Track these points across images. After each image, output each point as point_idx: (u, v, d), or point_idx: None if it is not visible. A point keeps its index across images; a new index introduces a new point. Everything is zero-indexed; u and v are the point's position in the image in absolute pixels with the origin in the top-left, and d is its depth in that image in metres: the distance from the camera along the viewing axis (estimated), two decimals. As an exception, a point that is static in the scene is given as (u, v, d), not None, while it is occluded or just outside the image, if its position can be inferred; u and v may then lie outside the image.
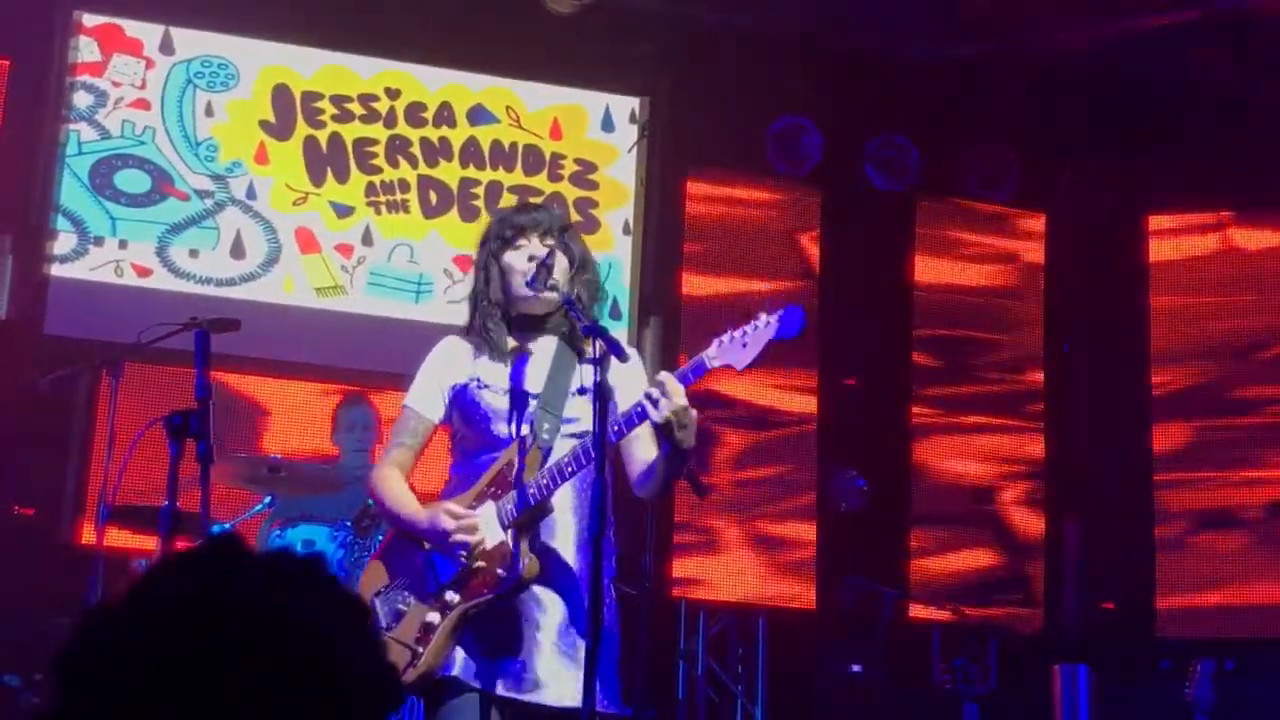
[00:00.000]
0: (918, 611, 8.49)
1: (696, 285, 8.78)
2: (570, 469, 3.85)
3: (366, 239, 8.36)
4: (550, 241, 4.04)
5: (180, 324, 5.20)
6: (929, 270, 9.16)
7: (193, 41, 8.28)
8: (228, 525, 6.37)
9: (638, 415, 3.79)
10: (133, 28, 8.23)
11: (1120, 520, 9.08)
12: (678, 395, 3.72)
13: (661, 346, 8.65)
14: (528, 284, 4.01)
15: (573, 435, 3.98)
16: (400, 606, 3.98)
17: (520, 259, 4.04)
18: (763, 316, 3.79)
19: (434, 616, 3.90)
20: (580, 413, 3.99)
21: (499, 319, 4.08)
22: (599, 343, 3.79)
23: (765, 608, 8.54)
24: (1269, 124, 8.75)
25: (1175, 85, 8.92)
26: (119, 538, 6.58)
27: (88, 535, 7.40)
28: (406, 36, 8.49)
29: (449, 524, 3.88)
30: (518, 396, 3.96)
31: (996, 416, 9.11)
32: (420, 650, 3.88)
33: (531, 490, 3.85)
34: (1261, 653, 8.41)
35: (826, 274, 8.95)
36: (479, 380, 4.03)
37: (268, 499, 6.62)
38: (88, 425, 7.74)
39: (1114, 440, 9.16)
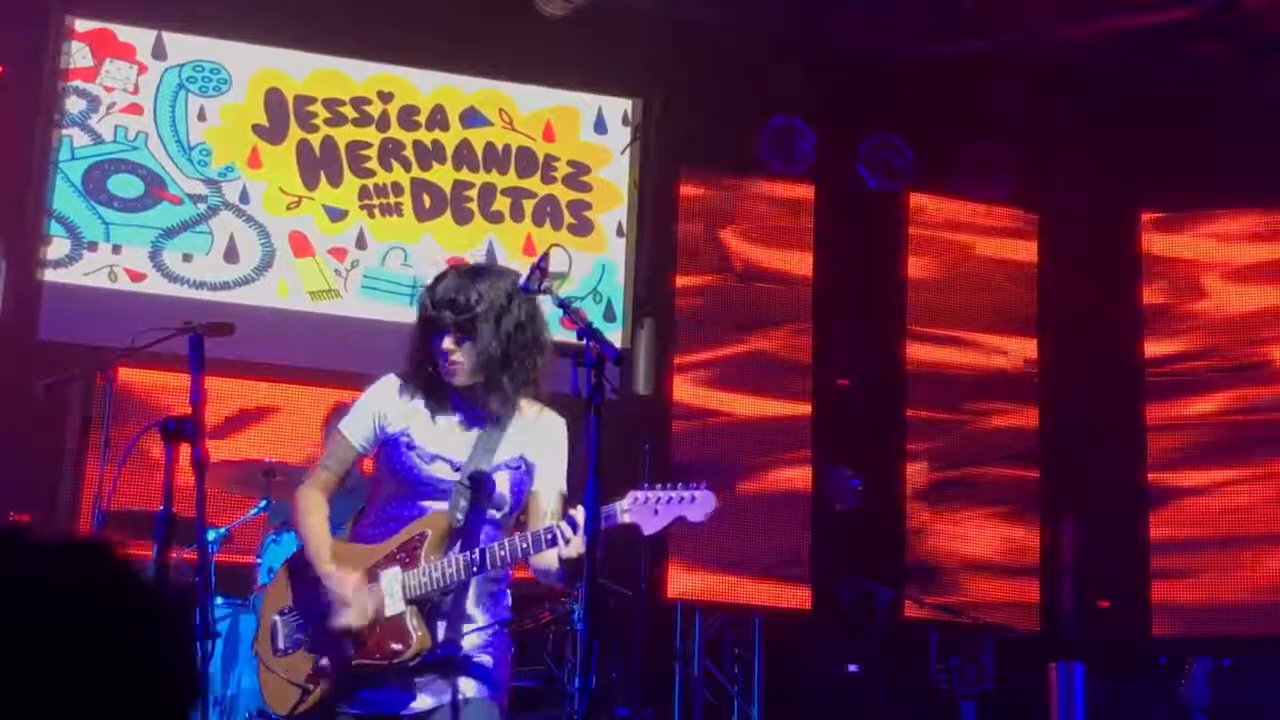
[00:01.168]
0: (914, 611, 8.49)
1: (690, 286, 8.78)
2: (475, 570, 3.92)
3: (360, 242, 8.36)
4: (453, 342, 3.97)
5: (174, 329, 5.19)
6: (922, 270, 9.17)
7: (185, 46, 8.28)
8: (224, 530, 6.37)
9: (548, 542, 3.87)
10: (125, 33, 8.23)
11: (1116, 519, 9.08)
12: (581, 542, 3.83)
13: (657, 347, 8.65)
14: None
15: (493, 506, 4.03)
16: (298, 635, 4.08)
17: (437, 348, 4.02)
18: (679, 490, 3.90)
19: (326, 662, 3.99)
20: (500, 488, 4.04)
21: (430, 387, 4.08)
22: (593, 344, 3.80)
23: (761, 608, 8.54)
24: (1266, 120, 8.75)
25: (1171, 83, 8.93)
26: (115, 543, 6.56)
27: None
28: (399, 40, 8.49)
29: (344, 600, 3.95)
30: (441, 467, 4.02)
31: (992, 416, 9.12)
32: (311, 688, 3.99)
33: (437, 574, 3.92)
34: (1258, 651, 8.42)
35: (820, 274, 8.95)
36: (410, 440, 4.05)
37: (263, 503, 6.61)
38: (82, 430, 7.73)
39: (1110, 439, 9.16)
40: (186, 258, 8.10)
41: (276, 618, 4.13)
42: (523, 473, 4.06)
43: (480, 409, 4.06)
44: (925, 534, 8.91)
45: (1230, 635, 8.61)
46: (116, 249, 8.02)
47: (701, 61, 8.72)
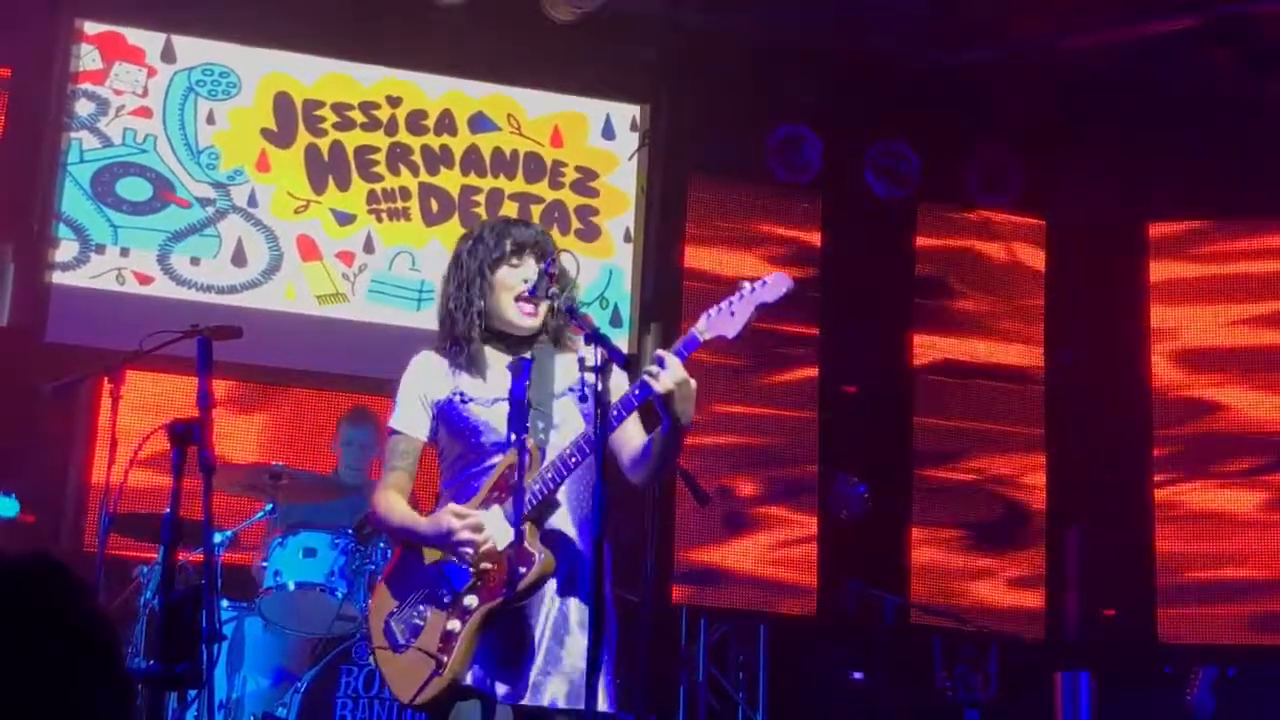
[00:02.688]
0: (919, 618, 8.48)
1: (698, 293, 8.78)
2: (574, 459, 3.87)
3: (368, 246, 8.37)
4: (544, 263, 4.04)
5: (182, 332, 5.19)
6: (930, 277, 9.16)
7: (194, 49, 8.29)
8: (229, 533, 6.38)
9: (638, 395, 3.83)
10: (134, 36, 8.24)
11: (1121, 527, 9.07)
12: (677, 368, 3.80)
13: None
14: (529, 292, 4.02)
15: (563, 433, 4.01)
16: (417, 621, 3.97)
17: (515, 278, 4.04)
18: (746, 285, 3.87)
19: (454, 624, 3.90)
20: (567, 415, 4.03)
21: (479, 332, 4.08)
22: (600, 350, 3.79)
23: (766, 614, 8.54)
24: (1271, 129, 8.74)
25: (1178, 90, 8.92)
26: (121, 545, 6.58)
27: (90, 543, 7.41)
28: (408, 44, 8.50)
29: (454, 523, 3.91)
30: (512, 403, 3.95)
31: (997, 423, 9.11)
32: (444, 659, 3.87)
33: (538, 486, 3.88)
34: (1263, 659, 8.41)
35: (827, 282, 8.95)
36: (462, 394, 4.04)
37: (269, 506, 6.61)
38: (89, 433, 7.74)
39: (1114, 447, 9.15)
40: (194, 261, 8.11)
41: (389, 620, 4.03)
42: (585, 394, 3.99)
43: (530, 346, 4.08)
44: (931, 541, 8.90)
45: (1236, 644, 8.60)
46: (124, 252, 8.03)
47: (709, 68, 8.73)
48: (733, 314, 3.84)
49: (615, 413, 3.84)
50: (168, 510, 4.44)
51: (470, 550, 3.91)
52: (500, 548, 3.88)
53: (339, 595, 6.14)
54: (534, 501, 3.87)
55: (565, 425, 4.02)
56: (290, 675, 6.30)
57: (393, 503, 4.10)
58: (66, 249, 7.97)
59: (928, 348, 9.10)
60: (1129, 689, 8.29)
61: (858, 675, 8.49)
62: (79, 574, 1.88)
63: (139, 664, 5.64)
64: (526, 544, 3.85)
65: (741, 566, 8.56)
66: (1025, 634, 8.67)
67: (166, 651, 4.36)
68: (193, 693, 5.66)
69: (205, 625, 4.44)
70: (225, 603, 6.15)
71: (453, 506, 3.95)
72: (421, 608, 3.98)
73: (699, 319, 3.88)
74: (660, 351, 3.84)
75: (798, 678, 8.51)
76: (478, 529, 3.90)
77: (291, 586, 6.17)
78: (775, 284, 3.84)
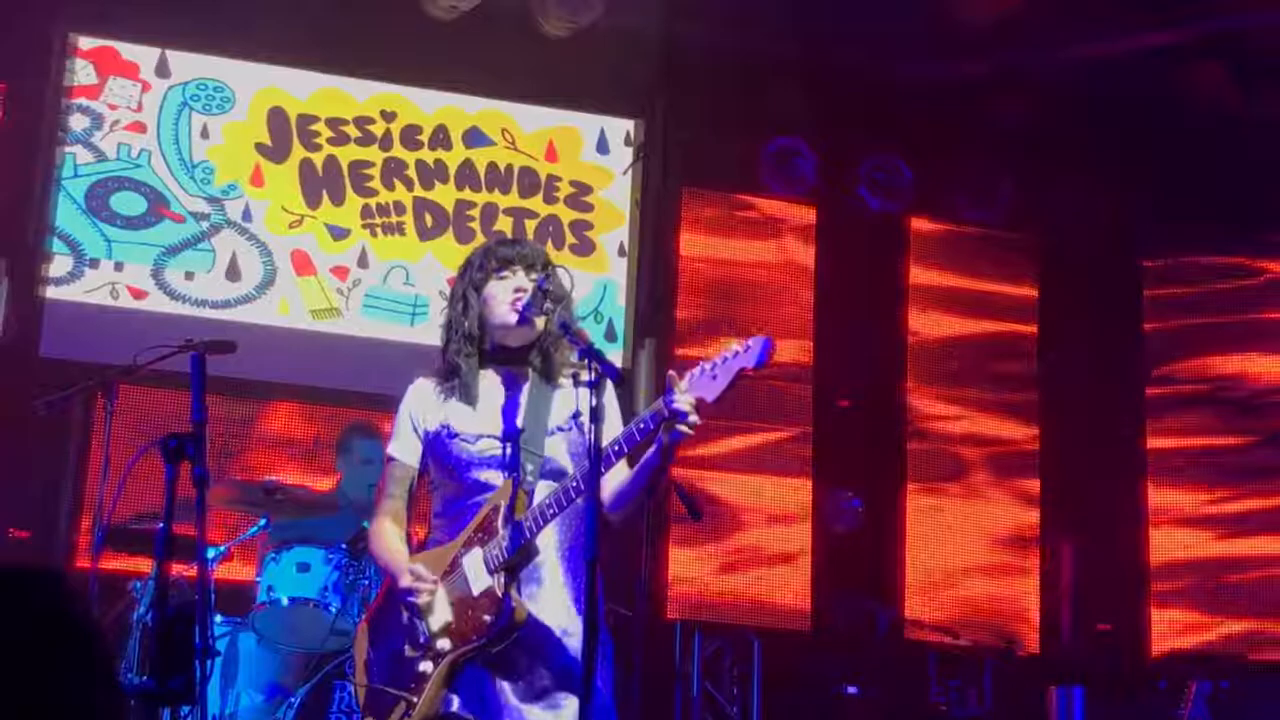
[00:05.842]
0: (913, 633, 8.48)
1: (691, 307, 8.79)
2: (552, 511, 3.86)
3: (362, 261, 8.37)
4: (535, 275, 4.05)
5: (176, 346, 5.19)
6: (923, 291, 9.17)
7: (188, 64, 8.30)
8: (223, 548, 6.36)
9: (651, 422, 3.78)
10: (129, 50, 8.25)
11: (1115, 543, 9.07)
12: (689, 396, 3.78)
13: (657, 367, 8.65)
14: (524, 307, 4.01)
15: (551, 474, 4.00)
16: (394, 657, 4.02)
17: (505, 289, 4.04)
18: (732, 346, 3.81)
19: (427, 666, 3.93)
20: (556, 452, 4.02)
21: (471, 353, 4.08)
22: (594, 366, 3.79)
23: (761, 629, 8.53)
24: (1266, 147, 8.75)
25: (1172, 106, 8.93)
26: (115, 560, 6.57)
27: (83, 558, 7.40)
28: (402, 59, 8.51)
29: (405, 582, 3.94)
30: (501, 440, 3.98)
31: (991, 436, 9.11)
32: (415, 700, 3.92)
33: (516, 534, 3.87)
34: (1256, 674, 8.41)
35: (820, 295, 8.96)
36: (449, 429, 4.04)
37: (263, 521, 6.60)
38: (83, 448, 7.74)
39: (1109, 463, 9.16)
40: (188, 275, 8.11)
41: (370, 650, 4.10)
42: (577, 434, 4.00)
43: (525, 370, 4.06)
44: (924, 556, 8.89)
45: (1229, 659, 8.60)
46: (118, 266, 8.04)
47: (703, 82, 8.74)
48: (714, 378, 3.78)
49: (617, 446, 3.80)
50: (161, 525, 4.43)
51: (415, 608, 3.95)
52: (476, 593, 3.90)
53: (333, 610, 6.12)
54: (511, 550, 3.87)
55: (554, 464, 4.00)
56: (284, 691, 6.28)
57: (385, 536, 4.13)
58: (60, 263, 7.97)
59: (921, 361, 9.10)
60: (1123, 704, 8.29)
61: (852, 690, 8.48)
62: (73, 584, 1.90)
63: (132, 679, 5.63)
64: (501, 592, 3.87)
65: (735, 581, 8.55)
66: (1019, 649, 8.66)
67: (160, 667, 4.35)
68: (186, 709, 5.66)
69: (199, 640, 4.43)
70: (219, 618, 6.13)
71: (413, 566, 3.96)
72: (400, 644, 4.01)
73: (683, 377, 3.83)
74: (672, 374, 3.81)
75: (792, 692, 8.50)
76: (424, 592, 3.92)
77: (285, 602, 6.15)
78: (755, 349, 3.76)
